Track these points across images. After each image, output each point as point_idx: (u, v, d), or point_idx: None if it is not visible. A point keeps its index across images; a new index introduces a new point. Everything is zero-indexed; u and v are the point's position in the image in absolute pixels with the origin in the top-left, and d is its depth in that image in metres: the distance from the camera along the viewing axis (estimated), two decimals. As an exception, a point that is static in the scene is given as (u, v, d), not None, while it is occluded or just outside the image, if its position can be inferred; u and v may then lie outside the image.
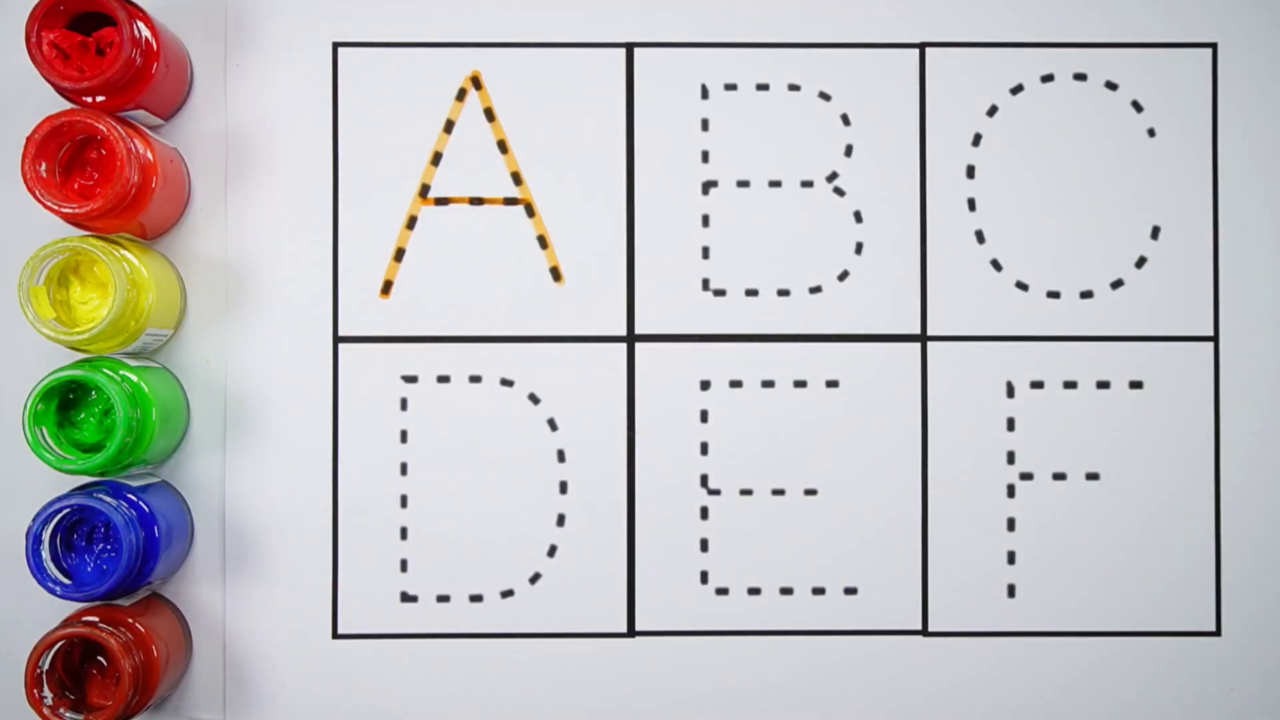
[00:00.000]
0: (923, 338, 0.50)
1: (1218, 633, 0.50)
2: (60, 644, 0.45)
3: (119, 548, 0.45)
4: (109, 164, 0.46)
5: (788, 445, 0.50)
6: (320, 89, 0.50)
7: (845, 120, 0.50)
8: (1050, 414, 0.50)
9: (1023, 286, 0.50)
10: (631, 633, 0.50)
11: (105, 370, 0.45)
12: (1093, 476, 0.50)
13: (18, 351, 0.49)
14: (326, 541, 0.50)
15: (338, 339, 0.50)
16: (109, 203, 0.45)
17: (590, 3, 0.50)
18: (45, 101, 0.47)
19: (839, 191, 0.50)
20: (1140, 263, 0.50)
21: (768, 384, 0.50)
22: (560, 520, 0.50)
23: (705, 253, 0.50)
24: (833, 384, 0.50)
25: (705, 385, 0.50)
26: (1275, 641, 0.50)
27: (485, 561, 0.50)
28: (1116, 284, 0.50)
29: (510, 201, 0.50)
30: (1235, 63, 0.50)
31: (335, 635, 0.50)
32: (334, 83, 0.50)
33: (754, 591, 0.50)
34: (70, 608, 0.47)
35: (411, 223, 0.50)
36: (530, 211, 0.50)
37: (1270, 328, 0.50)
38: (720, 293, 0.50)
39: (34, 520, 0.45)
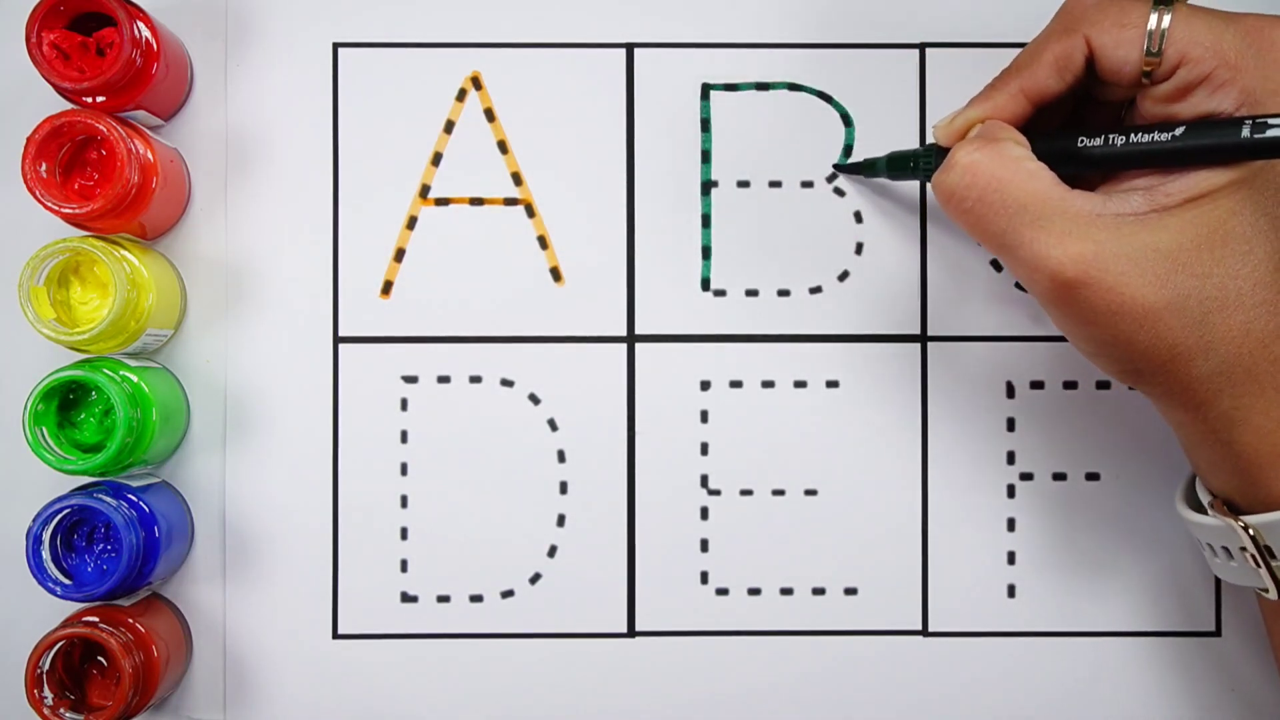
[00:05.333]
0: (923, 338, 0.50)
1: (1218, 633, 0.50)
2: (60, 644, 0.45)
3: (119, 548, 0.45)
4: (109, 164, 0.46)
5: (788, 445, 0.50)
6: (320, 89, 0.50)
7: (845, 120, 0.50)
8: (1050, 414, 0.50)
9: (1023, 287, 0.50)
10: (631, 633, 0.50)
11: (105, 370, 0.45)
12: (1093, 476, 0.50)
13: (18, 351, 0.49)
14: (326, 541, 0.50)
15: (338, 339, 0.50)
16: (109, 203, 0.45)
17: (590, 3, 0.50)
18: (45, 101, 0.47)
19: (839, 192, 0.50)
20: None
21: (768, 384, 0.50)
22: (560, 520, 0.50)
23: (705, 253, 0.50)
24: (833, 384, 0.50)
25: (705, 385, 0.50)
26: (1275, 641, 0.50)
27: (485, 561, 0.50)
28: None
29: (510, 202, 0.50)
30: (1235, 63, 0.50)
31: (335, 635, 0.50)
32: (334, 83, 0.50)
33: (754, 591, 0.50)
34: (70, 608, 0.47)
35: (411, 223, 0.50)
36: (530, 211, 0.50)
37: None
38: (720, 293, 0.50)
39: (34, 520, 0.45)
